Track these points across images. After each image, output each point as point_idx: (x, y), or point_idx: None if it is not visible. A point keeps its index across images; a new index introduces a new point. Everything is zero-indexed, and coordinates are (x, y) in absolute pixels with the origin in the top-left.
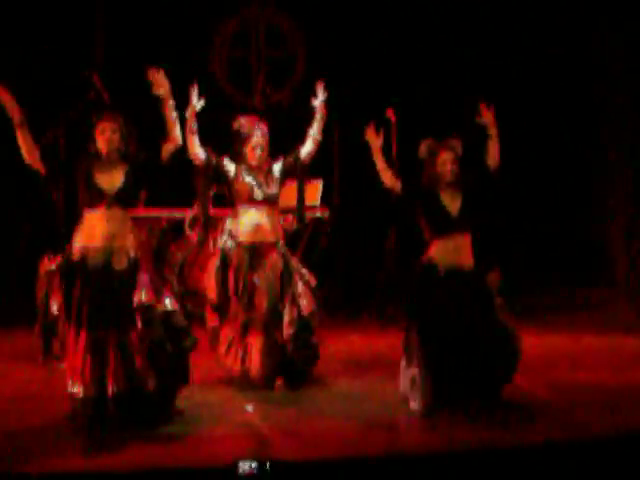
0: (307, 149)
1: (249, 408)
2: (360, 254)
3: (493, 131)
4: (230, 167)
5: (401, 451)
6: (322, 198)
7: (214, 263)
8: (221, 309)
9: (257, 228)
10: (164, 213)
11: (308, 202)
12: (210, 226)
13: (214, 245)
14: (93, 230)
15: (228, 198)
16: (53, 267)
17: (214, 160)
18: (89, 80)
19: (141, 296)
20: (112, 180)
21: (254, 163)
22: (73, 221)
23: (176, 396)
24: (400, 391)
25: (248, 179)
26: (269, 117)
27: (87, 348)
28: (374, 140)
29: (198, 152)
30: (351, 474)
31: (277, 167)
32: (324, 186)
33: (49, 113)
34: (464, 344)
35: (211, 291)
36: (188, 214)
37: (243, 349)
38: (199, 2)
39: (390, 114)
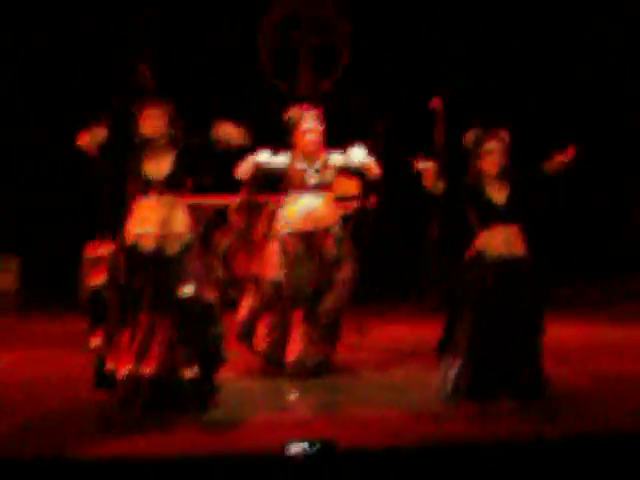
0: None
1: (292, 395)
2: (403, 243)
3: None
4: (280, 160)
5: (443, 440)
6: (365, 188)
7: (272, 249)
8: (277, 293)
9: (310, 215)
10: (209, 200)
11: (351, 192)
12: (255, 212)
13: (259, 231)
14: (145, 217)
15: (282, 185)
16: (98, 253)
17: (260, 173)
18: (135, 68)
19: (191, 284)
20: (160, 167)
21: (307, 148)
22: (118, 207)
23: (215, 382)
24: (438, 377)
25: (301, 165)
26: (314, 105)
27: (133, 331)
28: (426, 170)
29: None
30: (392, 462)
31: (335, 158)
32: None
33: (95, 101)
34: (509, 333)
35: (267, 274)
36: (233, 201)
37: (284, 336)
38: None
39: (436, 104)
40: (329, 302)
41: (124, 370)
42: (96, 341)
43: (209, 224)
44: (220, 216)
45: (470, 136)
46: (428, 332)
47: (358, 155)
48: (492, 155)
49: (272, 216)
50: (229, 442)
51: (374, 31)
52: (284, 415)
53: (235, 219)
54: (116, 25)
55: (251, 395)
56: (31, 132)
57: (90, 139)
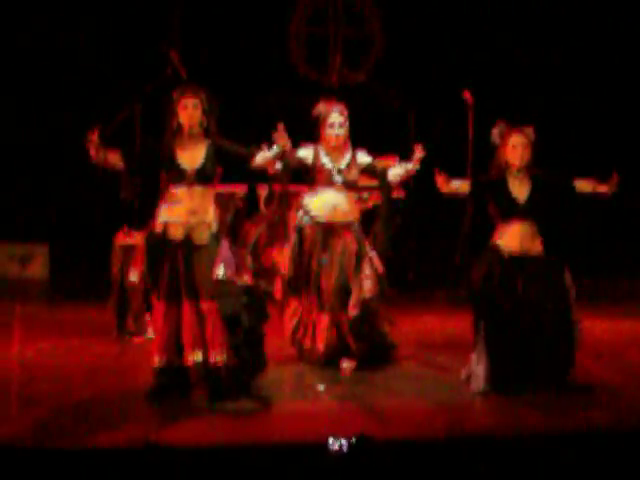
0: (397, 172)
1: (321, 387)
2: (434, 235)
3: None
4: (307, 154)
5: (470, 433)
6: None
7: (292, 238)
8: (292, 284)
9: (334, 208)
10: (239, 190)
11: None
12: (286, 203)
13: (290, 223)
14: (175, 206)
15: (307, 179)
16: (128, 242)
17: (287, 166)
18: (166, 56)
19: (221, 270)
20: (193, 158)
21: (333, 144)
22: (148, 196)
23: (254, 372)
24: (464, 372)
25: (327, 163)
26: (344, 96)
27: (167, 319)
28: (446, 187)
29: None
30: (419, 454)
31: (362, 159)
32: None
33: (127, 89)
34: (527, 328)
35: (285, 265)
36: (263, 191)
37: (310, 326)
38: None
39: (467, 96)
40: (361, 293)
41: (159, 361)
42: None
43: (239, 214)
44: (251, 206)
45: (496, 131)
46: (459, 324)
47: (394, 172)
48: (516, 150)
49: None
50: (256, 434)
51: (406, 23)
52: (313, 405)
53: (265, 210)
54: (148, 13)
55: (282, 385)
56: (62, 120)
57: (104, 163)
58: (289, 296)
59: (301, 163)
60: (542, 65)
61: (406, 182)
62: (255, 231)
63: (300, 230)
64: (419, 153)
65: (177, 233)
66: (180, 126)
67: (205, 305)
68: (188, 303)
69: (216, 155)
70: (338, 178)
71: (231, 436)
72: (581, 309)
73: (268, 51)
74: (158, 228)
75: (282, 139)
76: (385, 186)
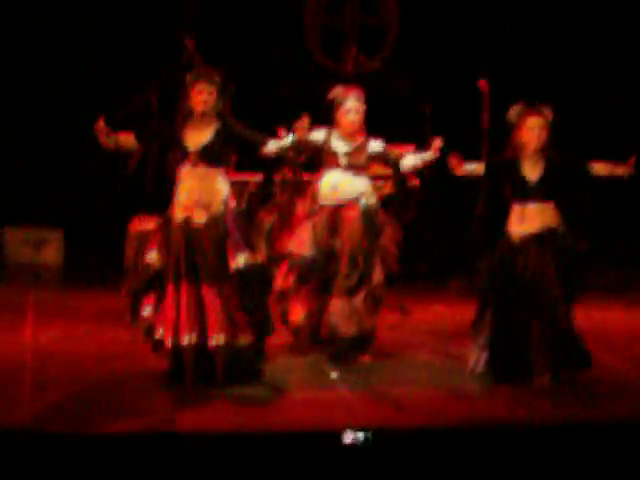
0: (410, 163)
1: (334, 375)
2: (448, 223)
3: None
4: (319, 137)
5: (481, 422)
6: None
7: (306, 224)
8: (305, 271)
9: (336, 187)
10: (253, 177)
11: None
12: (299, 190)
13: (303, 210)
14: (180, 187)
15: (317, 163)
16: (143, 228)
17: (296, 151)
18: (182, 43)
19: (241, 258)
20: (199, 137)
21: (347, 128)
22: (162, 182)
23: (264, 352)
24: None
25: (337, 146)
26: (360, 84)
27: (173, 301)
28: (460, 169)
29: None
30: (432, 443)
31: (374, 146)
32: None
33: (142, 76)
34: (532, 316)
35: (298, 252)
36: (277, 178)
37: (319, 311)
38: None
39: (482, 85)
40: (374, 278)
41: (172, 343)
42: (147, 310)
43: (253, 201)
44: (265, 193)
45: (513, 112)
46: (471, 312)
47: (408, 161)
48: (533, 132)
49: (316, 195)
50: (269, 420)
51: (421, 10)
52: (324, 393)
53: (279, 197)
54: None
55: (293, 373)
56: (77, 105)
57: (117, 146)
58: (301, 283)
59: (312, 146)
60: (558, 51)
61: (421, 171)
62: (269, 219)
63: (310, 216)
64: (438, 143)
65: (179, 214)
66: (191, 109)
67: (204, 289)
68: (187, 286)
69: (226, 137)
70: (343, 160)
71: (244, 423)
72: (593, 299)
73: (284, 38)
74: (170, 210)
75: (302, 130)
76: (398, 175)
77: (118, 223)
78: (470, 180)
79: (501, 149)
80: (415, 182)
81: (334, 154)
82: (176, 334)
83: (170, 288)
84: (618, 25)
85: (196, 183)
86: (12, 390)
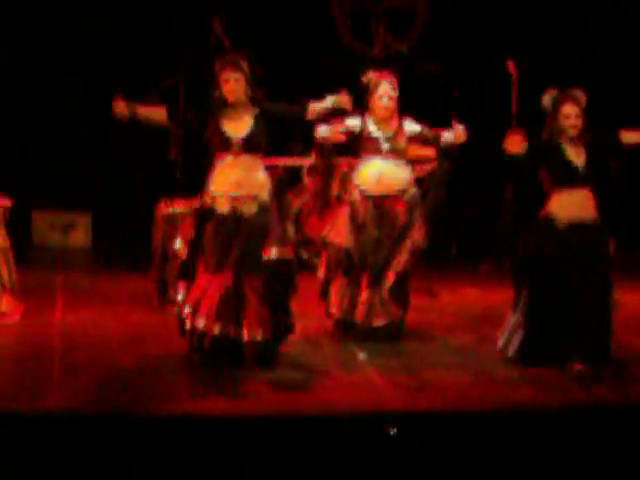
0: (449, 139)
1: (361, 356)
2: (477, 206)
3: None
4: (354, 122)
5: (509, 406)
6: (441, 151)
7: (342, 213)
8: (346, 260)
9: (382, 179)
10: (281, 161)
11: (427, 154)
12: (328, 174)
13: (332, 193)
14: (222, 177)
15: (355, 150)
16: (170, 211)
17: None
18: (210, 25)
19: (273, 244)
20: (239, 127)
21: (382, 113)
22: (191, 166)
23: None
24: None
25: (375, 132)
26: (389, 67)
27: (211, 290)
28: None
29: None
30: (457, 427)
31: (411, 127)
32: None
33: (170, 59)
34: (572, 300)
35: (339, 240)
36: (306, 162)
37: (356, 300)
38: None
39: (511, 67)
40: (396, 265)
41: (203, 327)
42: (180, 295)
43: (281, 185)
44: (293, 177)
45: (547, 98)
46: (500, 296)
47: (448, 137)
48: (570, 119)
49: (345, 178)
50: (299, 404)
51: None
52: (354, 377)
53: (308, 181)
54: None
55: (322, 357)
56: (106, 88)
57: (144, 118)
58: (334, 271)
59: (349, 132)
60: (588, 34)
61: (451, 153)
62: (298, 202)
63: (351, 204)
64: (459, 126)
65: (224, 205)
66: (224, 97)
67: (246, 280)
68: (232, 277)
69: (266, 123)
70: (386, 146)
71: (274, 407)
72: (620, 281)
73: (313, 22)
74: (207, 199)
75: (345, 98)
76: (441, 151)
77: (146, 206)
78: (500, 163)
79: (531, 132)
80: (447, 165)
81: (375, 140)
82: (210, 322)
83: (207, 276)
84: None
85: (242, 173)
86: (42, 373)
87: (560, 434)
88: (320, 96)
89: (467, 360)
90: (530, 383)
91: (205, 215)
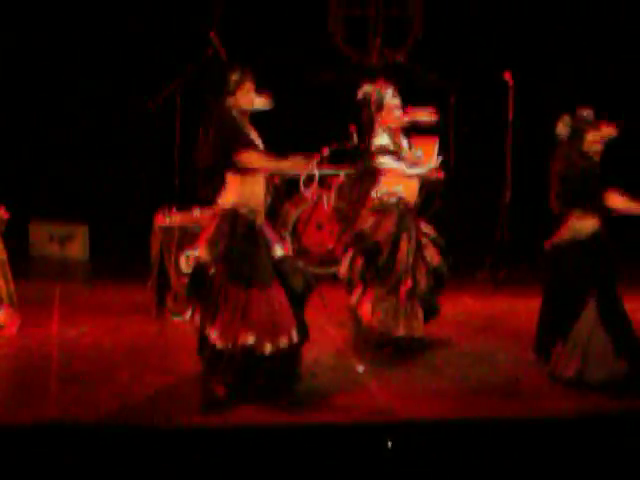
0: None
1: (360, 369)
2: (473, 215)
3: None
4: (387, 142)
5: (513, 415)
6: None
7: (391, 219)
8: (383, 268)
9: (406, 186)
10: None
11: (425, 163)
12: (325, 184)
13: (329, 204)
14: (253, 189)
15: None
16: (168, 222)
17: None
18: (207, 37)
19: (279, 250)
20: (257, 138)
21: (394, 125)
22: (189, 178)
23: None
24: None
25: (401, 143)
26: (385, 76)
27: (234, 302)
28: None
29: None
30: (459, 436)
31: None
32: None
33: (167, 70)
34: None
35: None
36: (304, 172)
37: (395, 311)
38: None
39: (508, 77)
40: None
41: (219, 341)
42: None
43: (279, 194)
44: (291, 187)
45: (562, 125)
46: (498, 305)
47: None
48: (595, 145)
49: (341, 189)
50: (299, 414)
51: (446, 3)
52: (355, 388)
53: (305, 191)
54: None
55: (323, 367)
56: (103, 100)
57: None
58: (373, 279)
59: (385, 151)
60: (581, 41)
61: (445, 163)
62: (295, 212)
63: (385, 211)
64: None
65: (247, 217)
66: (240, 109)
67: (268, 291)
68: (257, 289)
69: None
70: (409, 157)
71: (270, 417)
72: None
73: (309, 31)
74: (231, 211)
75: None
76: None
77: (143, 217)
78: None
79: (525, 140)
80: (439, 174)
81: (399, 151)
82: (233, 335)
83: (229, 289)
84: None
85: (261, 185)
86: (40, 384)
87: (565, 445)
88: (314, 106)
89: (468, 370)
90: (531, 393)
91: (224, 229)
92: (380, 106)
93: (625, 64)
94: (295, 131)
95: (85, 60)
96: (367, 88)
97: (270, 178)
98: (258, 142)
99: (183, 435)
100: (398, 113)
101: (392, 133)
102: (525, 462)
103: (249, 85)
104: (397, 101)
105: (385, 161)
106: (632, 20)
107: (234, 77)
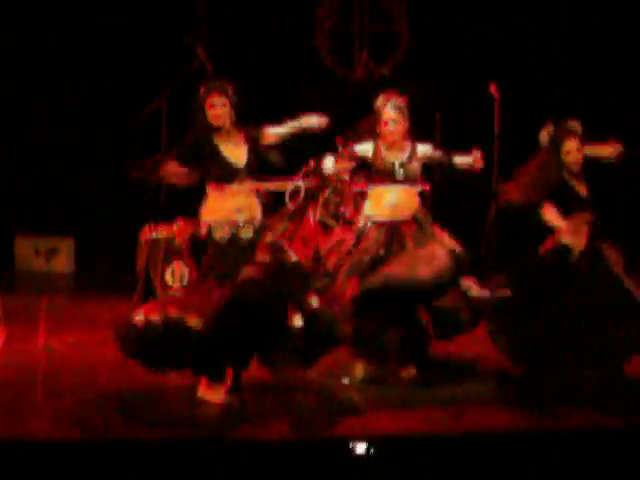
0: (461, 162)
1: (345, 381)
2: (460, 229)
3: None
4: (367, 148)
5: (491, 430)
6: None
7: (349, 243)
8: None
9: (395, 207)
10: (264, 184)
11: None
12: (311, 198)
13: (314, 218)
14: (221, 204)
15: (368, 176)
16: (154, 236)
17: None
18: (193, 50)
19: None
20: (239, 154)
21: (390, 139)
22: (174, 191)
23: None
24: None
25: (390, 157)
26: (371, 91)
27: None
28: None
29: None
30: (435, 452)
31: (424, 150)
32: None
33: (152, 83)
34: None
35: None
36: (288, 186)
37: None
38: None
39: (494, 90)
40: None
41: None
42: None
43: (264, 208)
44: (275, 202)
45: (545, 134)
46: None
47: (464, 161)
48: (572, 154)
49: (327, 203)
50: (277, 429)
51: (432, 17)
52: (337, 403)
53: (290, 204)
54: (174, 7)
55: (306, 381)
56: (86, 116)
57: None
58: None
59: (362, 158)
60: (567, 58)
61: (432, 176)
62: (280, 226)
63: (361, 235)
64: (478, 154)
65: (224, 232)
66: (209, 123)
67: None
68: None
69: (254, 147)
70: (400, 172)
71: (257, 432)
72: None
73: (295, 45)
74: (203, 228)
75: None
76: (453, 173)
77: (129, 231)
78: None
79: (513, 155)
80: (425, 187)
81: (388, 166)
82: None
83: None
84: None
85: (243, 199)
86: (26, 398)
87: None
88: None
89: (449, 386)
90: (509, 408)
91: (202, 245)
92: (377, 117)
93: (615, 77)
94: (283, 144)
95: (70, 74)
96: (379, 100)
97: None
98: (232, 159)
99: (171, 448)
100: (392, 127)
101: (391, 146)
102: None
103: (216, 99)
104: (394, 115)
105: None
106: (619, 33)
107: (201, 91)
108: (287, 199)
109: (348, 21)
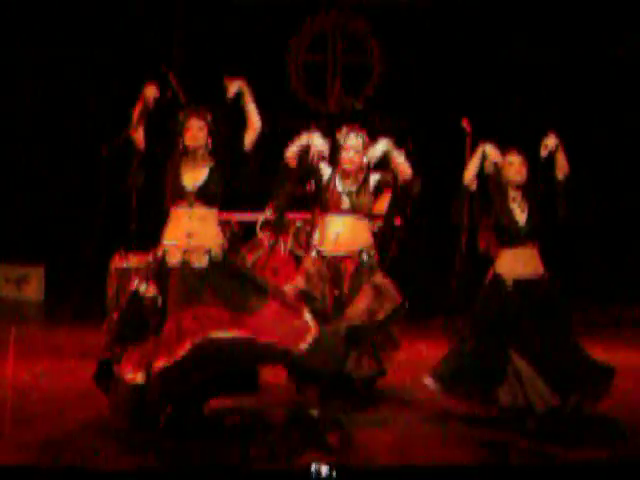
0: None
1: (314, 412)
2: (430, 262)
3: (559, 149)
4: (326, 171)
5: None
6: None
7: (298, 276)
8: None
9: (337, 238)
10: (235, 215)
11: (380, 210)
12: (281, 229)
13: (285, 248)
14: (175, 228)
15: (317, 205)
16: (124, 264)
17: (309, 164)
18: (166, 78)
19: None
20: (195, 177)
21: (347, 167)
22: (145, 219)
23: None
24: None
25: (340, 187)
26: (343, 122)
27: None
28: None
29: (294, 155)
30: None
31: (375, 177)
32: None
33: (125, 110)
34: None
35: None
36: (260, 217)
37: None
38: (276, 7)
39: (466, 124)
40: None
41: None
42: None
43: (235, 240)
44: (246, 233)
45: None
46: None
47: (380, 148)
48: (512, 166)
49: (298, 234)
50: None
51: (404, 51)
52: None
53: (262, 236)
54: (148, 36)
55: (274, 410)
56: (57, 146)
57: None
58: None
59: (318, 174)
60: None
61: (403, 210)
62: (252, 257)
63: (306, 266)
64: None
65: (174, 257)
66: (186, 148)
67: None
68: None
69: (222, 176)
70: (346, 201)
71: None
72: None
73: (268, 77)
74: (159, 251)
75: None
76: (406, 196)
77: (99, 259)
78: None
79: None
80: (397, 221)
81: (337, 194)
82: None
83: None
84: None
85: (195, 224)
86: None
87: None
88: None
89: (421, 416)
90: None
91: (159, 268)
92: (339, 145)
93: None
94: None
95: (40, 105)
96: (344, 130)
97: (227, 223)
98: (186, 182)
99: (140, 477)
100: (352, 155)
101: (346, 175)
102: None
103: (194, 122)
104: (356, 145)
105: None
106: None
107: (180, 117)
108: (258, 230)
109: (321, 52)
